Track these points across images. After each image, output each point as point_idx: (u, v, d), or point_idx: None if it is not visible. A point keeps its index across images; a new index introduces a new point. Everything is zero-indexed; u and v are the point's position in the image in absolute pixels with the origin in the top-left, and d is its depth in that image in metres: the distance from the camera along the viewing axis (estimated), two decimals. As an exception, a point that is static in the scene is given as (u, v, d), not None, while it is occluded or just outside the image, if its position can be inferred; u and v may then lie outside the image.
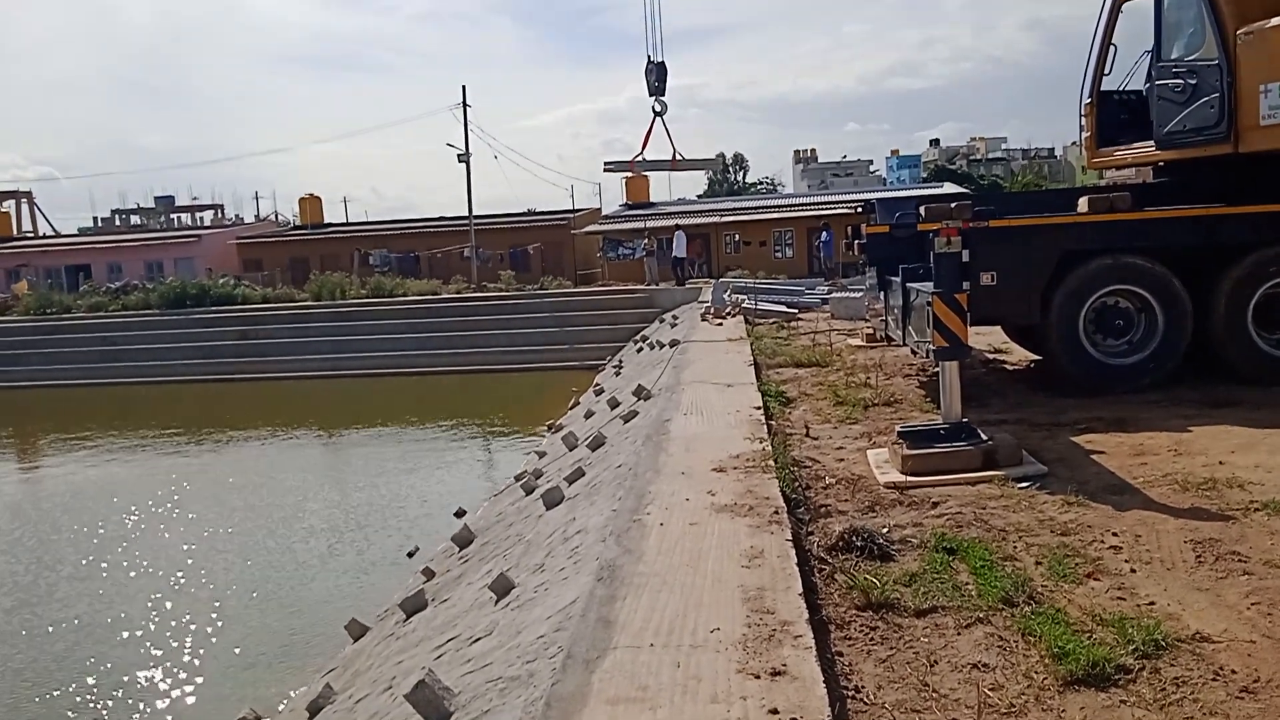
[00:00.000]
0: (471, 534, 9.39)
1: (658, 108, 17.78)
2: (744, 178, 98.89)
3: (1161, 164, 10.46)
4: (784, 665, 3.47)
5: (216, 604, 10.66)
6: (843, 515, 5.74)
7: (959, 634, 4.02)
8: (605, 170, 19.23)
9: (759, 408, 8.83)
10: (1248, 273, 8.61)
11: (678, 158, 18.60)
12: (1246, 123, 8.68)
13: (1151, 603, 4.21)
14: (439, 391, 26.68)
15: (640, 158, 18.57)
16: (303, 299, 35.83)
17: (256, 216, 69.63)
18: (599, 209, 52.26)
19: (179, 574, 11.71)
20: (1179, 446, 6.84)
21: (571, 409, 18.34)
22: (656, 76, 17.31)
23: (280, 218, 64.44)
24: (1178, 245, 8.76)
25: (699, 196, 70.65)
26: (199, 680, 8.77)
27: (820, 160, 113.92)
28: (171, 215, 74.90)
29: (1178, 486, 5.88)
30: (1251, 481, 5.85)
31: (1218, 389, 8.46)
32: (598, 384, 19.14)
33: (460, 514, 12.39)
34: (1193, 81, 9.13)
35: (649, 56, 17.22)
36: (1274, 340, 8.76)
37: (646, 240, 35.61)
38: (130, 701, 8.44)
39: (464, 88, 40.50)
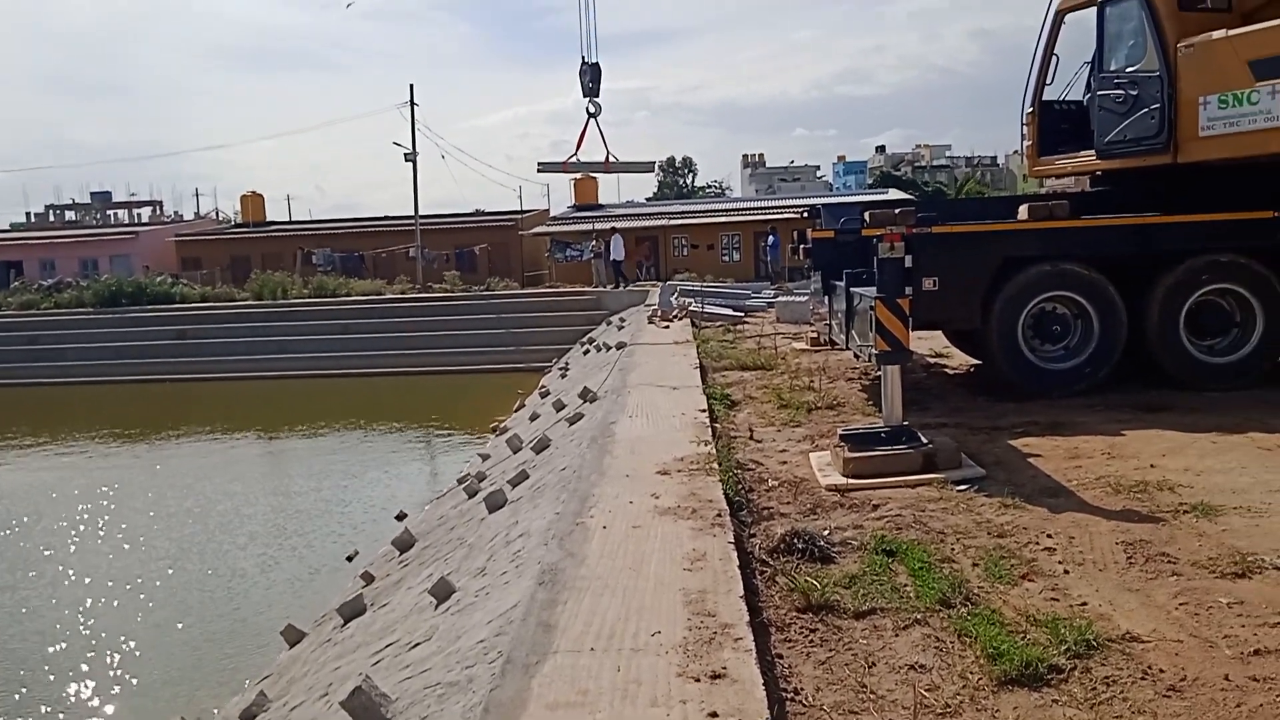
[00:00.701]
0: (412, 537, 9.27)
1: (591, 109, 17.74)
2: (693, 181, 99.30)
3: (1099, 173, 10.68)
4: (724, 668, 3.46)
5: (149, 611, 10.41)
6: (785, 518, 5.77)
7: (897, 635, 4.05)
8: (539, 171, 19.22)
9: (704, 410, 8.85)
10: (1180, 280, 8.82)
11: (611, 159, 18.64)
12: (1186, 134, 8.88)
13: (1084, 603, 4.28)
14: (382, 393, 26.39)
15: (574, 159, 18.54)
16: (243, 298, 35.21)
17: (196, 214, 68.19)
18: (547, 210, 52.12)
19: (111, 581, 11.40)
20: (1112, 450, 6.98)
21: (517, 411, 18.22)
22: (590, 78, 17.29)
23: (221, 215, 63.35)
24: (1113, 253, 8.96)
25: (648, 199, 70.81)
26: (130, 689, 8.56)
27: (768, 165, 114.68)
28: (108, 211, 73.09)
29: (1110, 489, 6.00)
30: (1181, 484, 5.99)
31: (1150, 394, 8.66)
32: (543, 386, 19.05)
33: (401, 517, 12.25)
34: (1134, 92, 9.32)
35: (583, 58, 17.20)
36: (1205, 346, 8.99)
37: (594, 242, 35.58)
38: (59, 714, 8.19)
39: (411, 86, 39.99)
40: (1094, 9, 9.86)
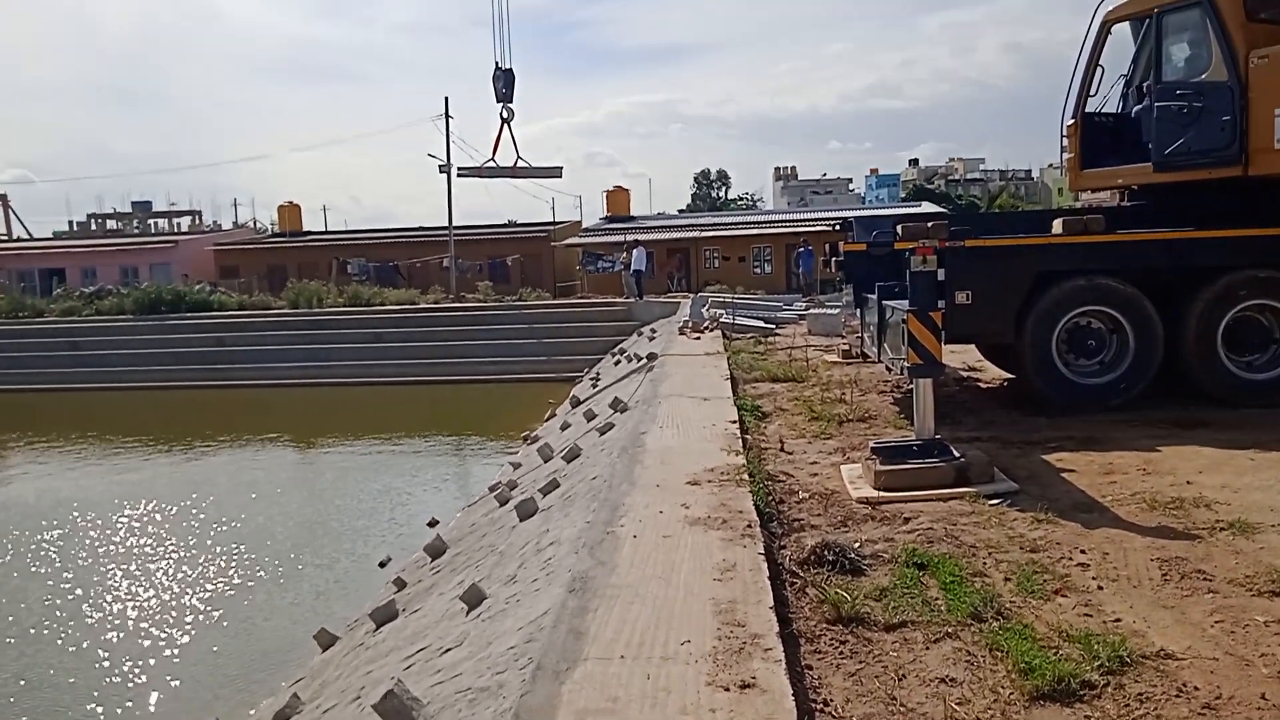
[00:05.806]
0: (444, 544, 9.35)
1: (505, 114, 18.01)
2: (725, 193, 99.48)
3: (1137, 188, 10.55)
4: (753, 678, 3.47)
5: (184, 615, 10.55)
6: (815, 530, 5.76)
7: (927, 648, 4.04)
8: (459, 176, 19.97)
9: (734, 422, 8.85)
10: (1218, 296, 8.69)
11: (519, 164, 19.19)
12: (1259, 145, 8.72)
13: (1118, 619, 4.25)
14: (415, 402, 26.57)
15: (491, 163, 19.02)
16: (279, 307, 35.62)
17: (234, 223, 69.42)
18: (579, 221, 52.38)
19: (146, 585, 11.58)
20: (1148, 466, 6.91)
21: (548, 420, 18.31)
22: (503, 83, 17.53)
23: (258, 225, 64.34)
24: (1150, 268, 8.85)
25: (680, 211, 70.96)
26: (165, 690, 8.67)
27: (800, 178, 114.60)
28: (148, 220, 74.25)
29: (1145, 505, 5.94)
30: (1218, 501, 5.92)
31: (1187, 410, 8.55)
32: (574, 396, 19.11)
33: (433, 524, 12.34)
34: (1199, 103, 9.11)
35: (496, 63, 17.41)
36: (1243, 363, 8.86)
37: (624, 254, 35.69)
38: (97, 713, 8.32)
39: (446, 99, 40.52)
40: (1142, 20, 9.73)
